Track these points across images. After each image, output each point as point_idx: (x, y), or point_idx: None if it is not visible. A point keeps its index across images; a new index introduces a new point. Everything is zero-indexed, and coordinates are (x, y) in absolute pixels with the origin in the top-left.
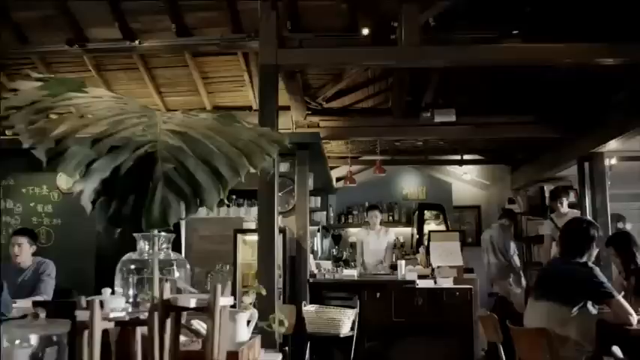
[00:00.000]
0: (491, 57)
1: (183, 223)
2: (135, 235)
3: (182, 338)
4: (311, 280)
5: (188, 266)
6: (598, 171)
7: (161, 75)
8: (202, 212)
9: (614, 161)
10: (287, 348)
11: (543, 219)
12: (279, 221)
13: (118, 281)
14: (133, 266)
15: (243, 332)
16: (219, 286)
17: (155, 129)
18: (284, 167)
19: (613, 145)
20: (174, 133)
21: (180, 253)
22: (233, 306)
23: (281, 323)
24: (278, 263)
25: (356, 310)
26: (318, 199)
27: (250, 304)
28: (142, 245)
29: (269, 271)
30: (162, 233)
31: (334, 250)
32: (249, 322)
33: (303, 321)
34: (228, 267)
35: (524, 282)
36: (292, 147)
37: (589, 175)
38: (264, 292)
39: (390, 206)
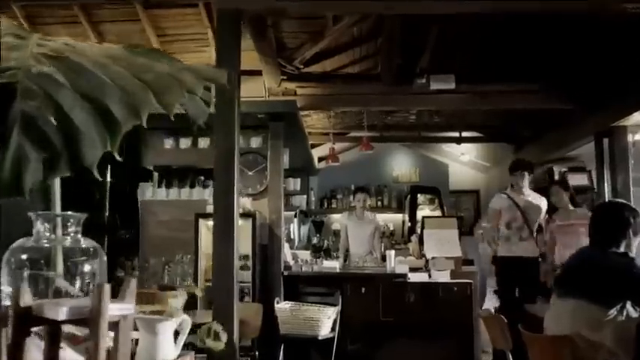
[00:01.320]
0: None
1: (139, 204)
2: (30, 214)
3: None
4: (285, 273)
5: (105, 258)
6: (619, 148)
7: (108, 31)
8: (162, 193)
9: (638, 137)
10: (255, 353)
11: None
12: (249, 204)
13: (2, 277)
14: (25, 256)
15: (169, 348)
16: (106, 287)
17: (24, 52)
18: (255, 142)
19: (638, 117)
20: (49, 58)
21: (137, 240)
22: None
23: (217, 337)
24: (244, 253)
25: (337, 308)
26: (298, 180)
27: (179, 308)
28: (40, 228)
29: (226, 264)
30: (70, 212)
31: (315, 238)
32: (178, 333)
33: (275, 320)
34: (189, 257)
35: None
36: (264, 118)
37: (608, 153)
38: (199, 293)
39: (378, 189)
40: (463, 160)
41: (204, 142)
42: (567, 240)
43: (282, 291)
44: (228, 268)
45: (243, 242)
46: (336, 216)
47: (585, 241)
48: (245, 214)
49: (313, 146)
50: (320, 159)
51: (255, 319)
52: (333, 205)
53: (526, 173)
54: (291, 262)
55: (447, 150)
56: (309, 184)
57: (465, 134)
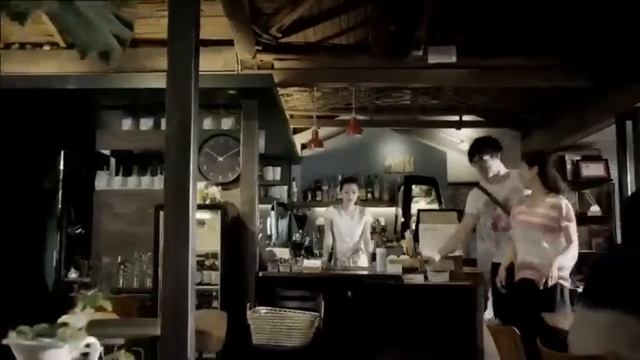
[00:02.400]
0: None
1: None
2: None
3: None
4: (260, 274)
5: None
6: None
7: None
8: (117, 182)
9: None
10: None
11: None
12: (218, 194)
13: None
14: None
15: None
16: None
17: None
18: (227, 124)
19: None
20: None
21: (89, 236)
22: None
23: None
24: (212, 251)
25: (319, 315)
26: (278, 170)
27: (81, 328)
28: None
29: (179, 264)
30: None
31: (297, 235)
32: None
33: (247, 329)
34: (149, 255)
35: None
36: (236, 95)
37: (632, 137)
38: (108, 307)
39: (368, 180)
40: (462, 149)
41: None
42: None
43: (256, 295)
44: (181, 269)
45: (210, 238)
46: (320, 210)
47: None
48: (213, 206)
49: (296, 132)
50: (303, 146)
51: (219, 329)
52: (318, 198)
53: (487, 157)
54: (267, 261)
55: (445, 137)
56: (290, 173)
57: (466, 118)
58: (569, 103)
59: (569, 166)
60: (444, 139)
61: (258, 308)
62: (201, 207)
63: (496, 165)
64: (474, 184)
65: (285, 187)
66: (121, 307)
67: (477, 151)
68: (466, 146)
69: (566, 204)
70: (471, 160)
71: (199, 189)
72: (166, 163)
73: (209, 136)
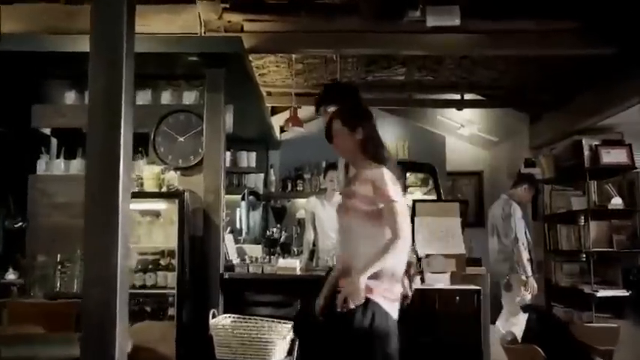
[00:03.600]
0: None
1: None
2: None
3: None
4: (226, 276)
5: None
6: None
7: None
8: (57, 166)
9: None
10: None
11: (573, 189)
12: (175, 180)
13: None
14: None
15: None
16: None
17: None
18: (189, 98)
19: None
20: None
21: (22, 230)
22: None
23: None
24: (169, 248)
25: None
26: (253, 155)
27: None
28: None
29: (105, 266)
30: None
31: (274, 229)
32: None
33: (209, 342)
34: None
35: (532, 283)
36: (199, 62)
37: None
38: None
39: None
40: (462, 134)
41: None
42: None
43: (222, 300)
44: (108, 272)
45: (166, 232)
46: (301, 201)
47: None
48: (170, 194)
49: (274, 112)
50: (283, 129)
51: (165, 345)
52: (299, 188)
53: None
54: (236, 261)
55: (443, 121)
56: (268, 160)
57: (468, 97)
58: (587, 78)
59: (586, 152)
60: (442, 123)
61: (222, 316)
62: (155, 195)
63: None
64: (475, 174)
65: (262, 176)
66: (54, 317)
67: (326, 100)
68: (467, 131)
69: (389, 177)
70: (316, 110)
71: (153, 173)
72: (88, 141)
73: (167, 113)
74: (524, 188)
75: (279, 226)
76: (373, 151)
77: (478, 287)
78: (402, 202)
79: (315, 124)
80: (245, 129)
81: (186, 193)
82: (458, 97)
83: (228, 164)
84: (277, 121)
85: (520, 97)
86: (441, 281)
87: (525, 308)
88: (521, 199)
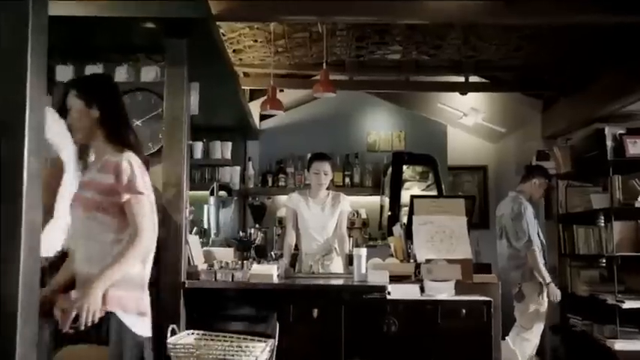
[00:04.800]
0: None
1: None
2: None
3: None
4: (189, 284)
5: None
6: None
7: None
8: None
9: None
10: None
11: (593, 185)
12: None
13: None
14: None
15: None
16: None
17: None
18: (148, 74)
19: None
20: None
21: None
22: None
23: None
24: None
25: (272, 342)
26: (228, 145)
27: None
28: None
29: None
30: None
31: (252, 231)
32: None
33: None
34: None
35: (542, 288)
36: (156, 30)
37: None
38: None
39: (346, 161)
40: (465, 124)
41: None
42: None
43: (184, 313)
44: (5, 289)
45: None
46: (284, 198)
47: None
48: None
49: (253, 97)
50: (263, 117)
51: None
52: (281, 183)
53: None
54: (202, 267)
55: (444, 109)
56: (246, 151)
57: (473, 80)
58: (612, 55)
59: (609, 143)
60: (443, 111)
61: (183, 334)
62: None
63: None
64: (479, 169)
65: (238, 169)
66: None
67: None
68: (470, 121)
69: (137, 165)
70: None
71: None
72: None
73: (121, 92)
74: (534, 183)
75: (257, 226)
76: (116, 132)
77: (488, 299)
78: (150, 196)
79: (299, 111)
80: (217, 114)
81: None
82: (462, 79)
83: (199, 156)
84: (256, 107)
85: (532, 80)
86: (443, 291)
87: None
88: (532, 195)
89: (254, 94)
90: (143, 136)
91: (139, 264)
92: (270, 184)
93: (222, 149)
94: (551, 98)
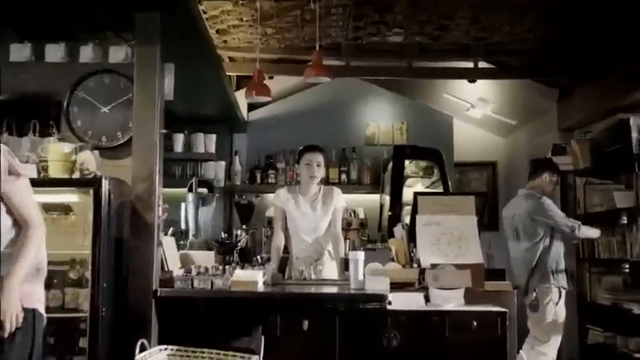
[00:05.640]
0: None
1: None
2: None
3: None
4: (162, 293)
5: None
6: None
7: None
8: None
9: None
10: None
11: (615, 182)
12: (92, 164)
13: None
14: None
15: None
16: None
17: None
18: (116, 55)
19: None
20: None
21: None
22: None
23: None
24: (78, 255)
25: (257, 359)
26: (212, 138)
27: None
28: None
29: None
30: None
31: (237, 232)
32: None
33: None
34: None
35: (561, 294)
36: (125, 1)
37: None
38: None
39: (342, 156)
40: (472, 117)
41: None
42: None
43: (156, 325)
44: None
45: (79, 234)
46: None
47: None
48: (81, 182)
49: (241, 85)
50: (252, 107)
51: None
52: (270, 180)
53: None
54: (177, 273)
55: (450, 100)
56: (232, 144)
57: (483, 66)
58: (638, 37)
59: (635, 135)
60: (448, 102)
61: (155, 349)
62: (61, 183)
63: None
64: (487, 165)
65: (223, 164)
66: None
67: None
68: (478, 112)
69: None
70: None
71: (60, 153)
72: None
73: (86, 74)
74: (545, 178)
75: (244, 227)
76: None
77: (503, 309)
78: (26, 179)
79: (291, 101)
80: (199, 103)
81: (104, 181)
82: (470, 65)
83: (180, 149)
84: (243, 97)
85: (548, 65)
86: (451, 300)
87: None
88: (544, 192)
89: (241, 83)
90: (111, 124)
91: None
92: (258, 180)
93: (206, 142)
94: (567, 86)
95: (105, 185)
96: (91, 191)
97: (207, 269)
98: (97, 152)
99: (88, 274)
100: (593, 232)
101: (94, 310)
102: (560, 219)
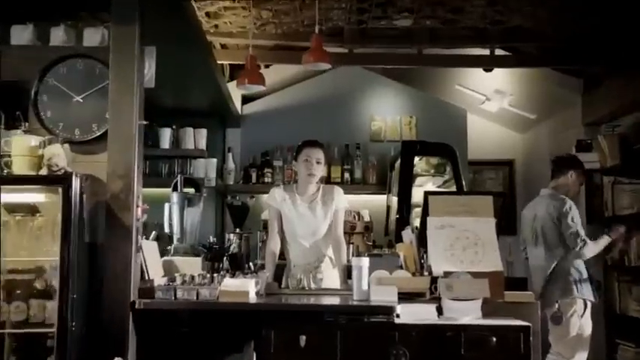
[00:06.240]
0: None
1: None
2: None
3: None
4: (139, 304)
5: None
6: None
7: None
8: None
9: None
10: None
11: None
12: (62, 159)
13: None
14: None
15: None
16: None
17: None
18: (91, 38)
19: None
20: None
21: None
22: None
23: None
24: (44, 262)
25: None
26: (202, 134)
27: None
28: None
29: None
30: None
31: (230, 237)
32: None
33: None
34: None
35: (587, 306)
36: None
37: None
38: None
39: (346, 153)
40: (488, 111)
41: None
42: None
43: (133, 342)
44: None
45: (46, 238)
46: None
47: None
48: (48, 179)
49: (234, 76)
50: (246, 100)
51: None
52: (267, 179)
53: None
54: (160, 282)
55: (463, 92)
56: (225, 140)
57: (500, 52)
58: None
59: None
60: (461, 95)
61: None
62: (27, 180)
63: None
64: (504, 164)
65: (215, 162)
66: None
67: None
68: (494, 106)
69: None
70: None
71: (25, 147)
72: None
73: (57, 59)
74: (570, 176)
75: (237, 230)
76: None
77: (526, 324)
78: None
79: (289, 93)
80: (188, 94)
81: (75, 178)
82: (486, 52)
83: (167, 145)
84: (237, 89)
85: (572, 53)
86: (468, 313)
87: None
88: (569, 191)
89: (235, 73)
90: (85, 115)
91: None
92: (253, 180)
93: (196, 138)
94: (594, 76)
95: (76, 183)
96: (60, 190)
97: (193, 278)
98: (67, 146)
99: (56, 284)
100: (599, 246)
101: (62, 325)
102: (575, 229)
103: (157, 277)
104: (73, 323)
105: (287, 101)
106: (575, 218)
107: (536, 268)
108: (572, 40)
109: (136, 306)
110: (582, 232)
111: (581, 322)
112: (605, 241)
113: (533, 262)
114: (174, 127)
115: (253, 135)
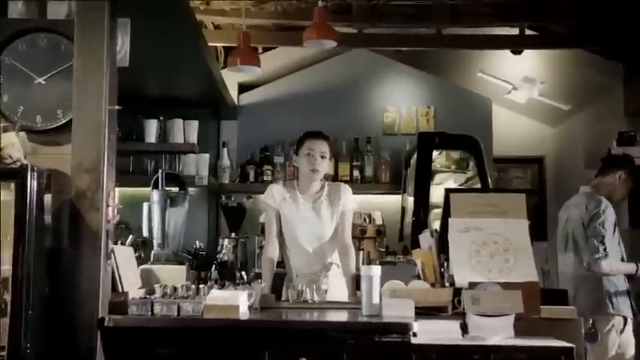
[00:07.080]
0: None
1: None
2: None
3: None
4: (109, 322)
5: None
6: None
7: None
8: None
9: None
10: None
11: None
12: (18, 151)
13: None
14: None
15: None
16: None
17: None
18: (55, 10)
19: None
20: None
21: None
22: None
23: None
24: None
25: None
26: (194, 126)
27: None
28: None
29: None
30: None
31: (226, 242)
32: None
33: None
34: None
35: (627, 322)
36: None
37: None
38: None
39: (355, 147)
40: (515, 101)
41: None
42: None
43: None
44: None
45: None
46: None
47: None
48: (4, 172)
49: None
50: (244, 88)
51: None
52: (266, 177)
53: None
54: (138, 294)
55: (486, 80)
56: (219, 134)
57: (529, 33)
58: None
59: None
60: (484, 83)
61: None
62: None
63: None
64: (533, 161)
65: (207, 157)
66: None
67: None
68: (522, 96)
69: None
70: None
71: None
72: None
73: (16, 33)
74: (619, 177)
75: (233, 235)
76: None
77: (568, 345)
78: None
79: (291, 81)
80: (176, 81)
81: (32, 172)
82: (515, 31)
83: (153, 139)
84: (234, 76)
85: (612, 31)
86: (497, 332)
87: None
88: (613, 194)
89: (229, 55)
90: (48, 99)
91: None
92: (251, 178)
93: (186, 130)
94: (637, 60)
95: (32, 178)
96: (13, 185)
97: (175, 289)
98: (23, 134)
99: (7, 297)
100: (620, 270)
101: (14, 347)
102: (602, 235)
103: (133, 289)
104: (28, 345)
105: (289, 90)
106: (607, 224)
107: (565, 276)
108: (612, 16)
109: (105, 323)
110: (608, 245)
111: (622, 339)
112: (630, 269)
113: (562, 270)
114: (161, 118)
115: (251, 128)
